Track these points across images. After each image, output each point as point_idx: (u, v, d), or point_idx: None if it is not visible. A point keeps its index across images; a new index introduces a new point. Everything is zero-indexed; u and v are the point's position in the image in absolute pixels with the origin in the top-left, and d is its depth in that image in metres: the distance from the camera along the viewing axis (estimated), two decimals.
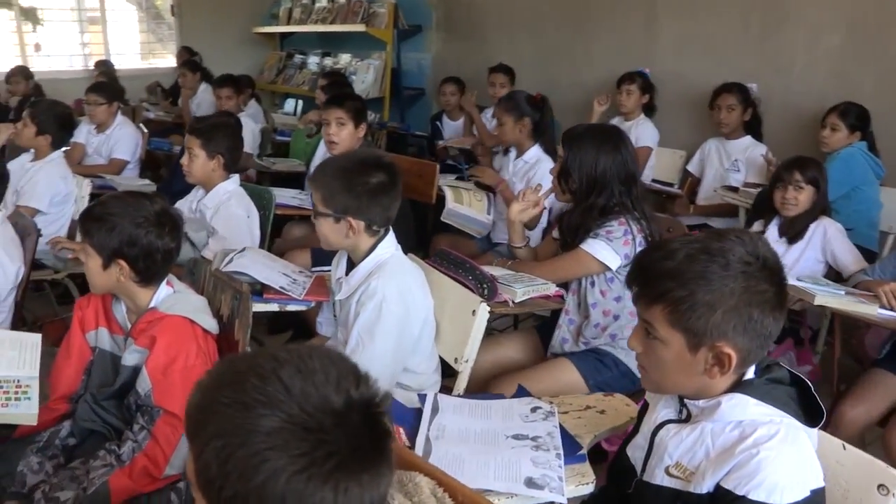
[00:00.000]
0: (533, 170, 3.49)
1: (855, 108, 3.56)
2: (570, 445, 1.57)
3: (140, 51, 8.27)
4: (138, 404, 1.79)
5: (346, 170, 2.01)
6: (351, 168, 2.01)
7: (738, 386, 1.26)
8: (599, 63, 5.16)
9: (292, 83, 7.40)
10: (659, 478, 1.30)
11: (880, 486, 1.29)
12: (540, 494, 1.38)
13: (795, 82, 4.19)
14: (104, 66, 6.89)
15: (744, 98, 4.02)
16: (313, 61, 7.39)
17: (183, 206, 3.06)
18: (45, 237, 2.97)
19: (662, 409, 1.37)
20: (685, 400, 1.31)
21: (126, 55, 7.95)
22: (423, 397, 1.72)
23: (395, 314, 1.98)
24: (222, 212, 2.89)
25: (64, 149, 3.71)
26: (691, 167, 4.37)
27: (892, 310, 2.40)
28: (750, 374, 1.27)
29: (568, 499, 1.43)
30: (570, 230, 2.39)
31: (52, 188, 3.42)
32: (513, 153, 3.68)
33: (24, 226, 2.70)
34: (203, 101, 5.77)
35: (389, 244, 2.07)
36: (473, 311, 2.05)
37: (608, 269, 2.28)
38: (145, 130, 5.02)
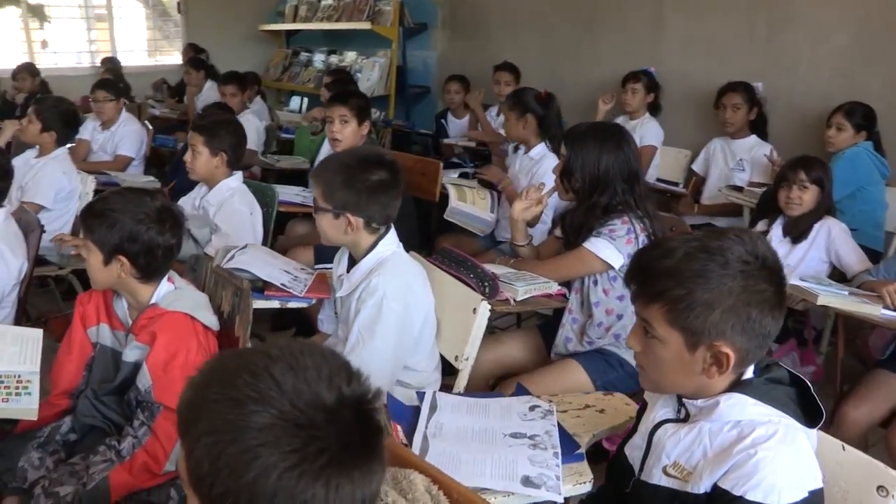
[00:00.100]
0: (537, 166, 3.49)
1: (861, 108, 3.54)
2: (568, 444, 1.56)
3: (147, 48, 8.30)
4: (139, 400, 1.79)
5: (347, 166, 2.01)
6: (352, 164, 2.01)
7: (737, 386, 1.25)
8: (605, 62, 5.15)
9: (298, 81, 7.41)
10: (656, 477, 1.30)
11: (879, 487, 1.28)
12: (536, 493, 1.38)
13: (801, 82, 4.17)
14: (110, 63, 6.92)
15: (749, 97, 4.00)
16: (319, 59, 7.41)
17: (186, 202, 3.07)
18: (50, 233, 2.98)
19: (661, 409, 1.36)
20: (684, 399, 1.31)
21: (133, 52, 7.98)
22: (421, 395, 1.71)
23: (396, 312, 1.98)
24: (225, 209, 2.89)
25: (69, 145, 3.72)
26: (696, 166, 4.35)
27: (895, 310, 2.38)
28: (749, 373, 1.27)
29: (565, 498, 1.43)
30: (573, 229, 2.38)
31: (56, 184, 3.44)
32: (522, 149, 3.69)
33: (28, 222, 2.71)
34: (208, 98, 5.77)
35: (391, 242, 2.07)
36: (474, 310, 2.04)
37: (611, 267, 2.27)
38: (150, 127, 5.03)
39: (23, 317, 2.69)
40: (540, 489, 1.38)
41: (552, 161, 3.39)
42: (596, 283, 2.33)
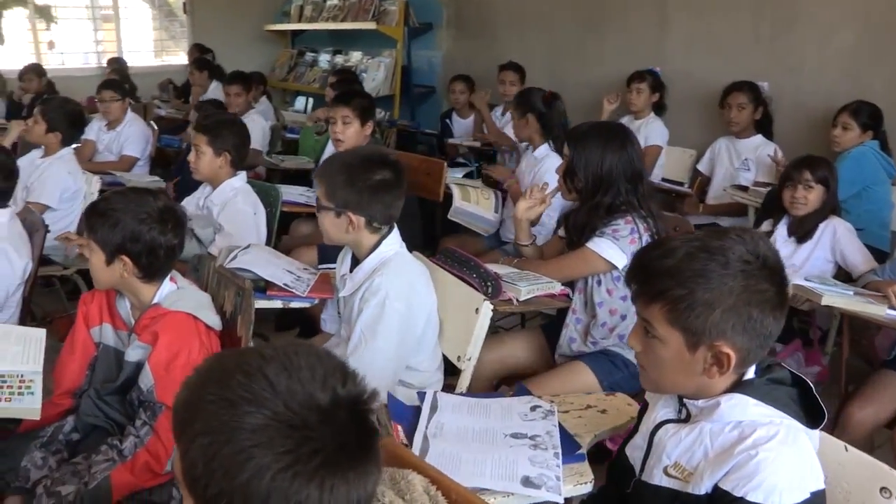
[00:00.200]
0: (539, 165, 3.50)
1: (867, 107, 3.53)
2: (568, 444, 1.56)
3: (153, 48, 8.32)
4: (141, 400, 1.80)
5: (350, 165, 2.01)
6: (355, 164, 2.02)
7: (738, 386, 1.24)
8: (610, 61, 5.14)
9: (303, 81, 7.43)
10: (657, 478, 1.29)
11: (883, 488, 1.27)
12: (537, 494, 1.37)
13: (806, 81, 4.15)
14: (116, 64, 6.94)
15: (754, 97, 3.99)
16: (324, 59, 7.41)
17: (190, 202, 3.08)
18: (55, 233, 2.99)
19: (662, 409, 1.36)
20: (685, 400, 1.30)
21: (139, 52, 8.01)
22: (422, 395, 1.71)
23: (398, 311, 1.98)
24: (229, 208, 2.90)
25: (74, 146, 3.73)
26: (701, 166, 4.34)
27: None
28: (750, 374, 1.26)
29: (566, 498, 1.43)
30: (577, 229, 2.38)
31: (61, 184, 3.45)
32: (530, 148, 3.70)
33: (32, 221, 2.72)
34: (214, 98, 5.78)
35: (394, 241, 2.07)
36: (477, 310, 2.04)
37: (615, 267, 2.27)
38: (156, 127, 5.04)
39: (28, 316, 2.70)
40: (540, 489, 1.38)
41: (554, 161, 3.39)
42: (599, 283, 2.32)
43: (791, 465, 1.15)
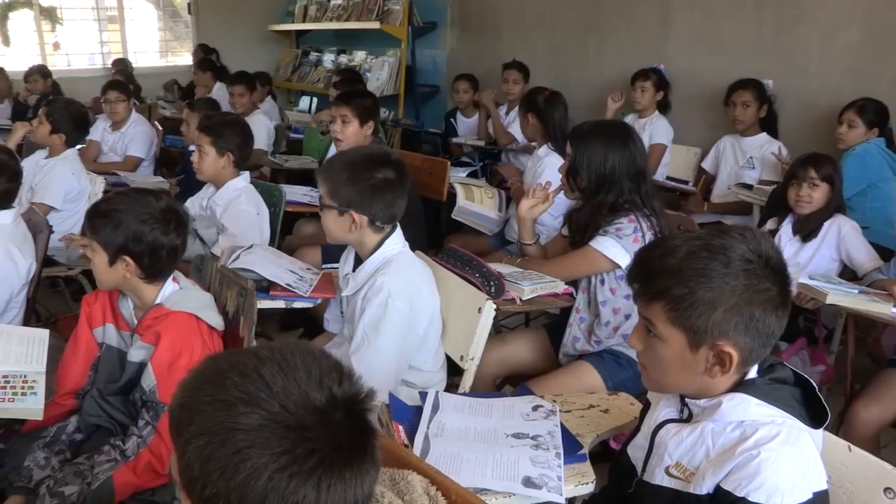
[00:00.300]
0: (539, 164, 3.50)
1: (873, 104, 3.51)
2: (570, 445, 1.55)
3: (158, 49, 8.35)
4: (143, 400, 1.80)
5: (353, 164, 2.01)
6: (358, 162, 2.02)
7: (740, 386, 1.24)
8: (613, 60, 5.13)
9: (307, 80, 7.43)
10: (659, 478, 1.29)
11: (887, 489, 1.27)
12: (538, 494, 1.37)
13: (811, 79, 4.13)
14: (121, 65, 6.96)
15: (759, 94, 3.98)
16: (328, 59, 7.42)
17: (194, 203, 3.08)
18: (59, 234, 2.99)
19: (663, 409, 1.35)
20: (686, 399, 1.30)
21: (145, 53, 8.03)
22: (424, 395, 1.71)
23: (401, 311, 1.97)
24: (232, 209, 2.90)
25: (79, 146, 3.74)
26: (706, 164, 4.33)
27: None
28: (752, 373, 1.25)
29: (568, 499, 1.42)
30: (580, 228, 2.37)
31: (65, 185, 3.46)
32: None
33: (36, 222, 2.73)
34: (219, 98, 5.78)
35: (396, 241, 2.07)
36: (480, 309, 2.04)
37: (618, 266, 2.26)
38: (160, 128, 5.06)
39: (32, 317, 2.71)
40: (541, 490, 1.37)
41: (553, 160, 3.41)
42: (603, 282, 2.31)
43: (793, 465, 1.14)
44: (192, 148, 4.15)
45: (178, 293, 1.90)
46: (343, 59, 7.23)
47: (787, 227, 2.99)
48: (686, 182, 4.42)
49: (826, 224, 2.90)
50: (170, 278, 1.91)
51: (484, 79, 5.44)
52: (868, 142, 3.45)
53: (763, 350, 1.22)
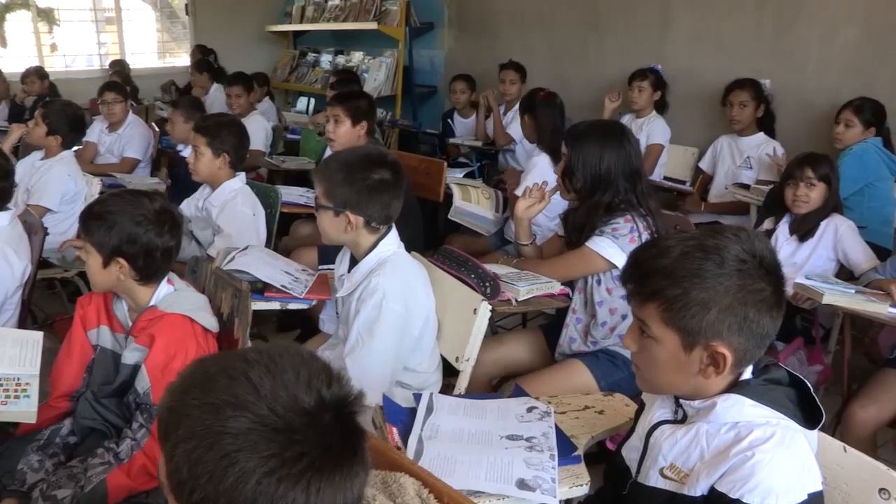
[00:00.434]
0: (529, 163, 3.51)
1: (871, 104, 3.51)
2: (565, 446, 1.55)
3: (156, 50, 8.34)
4: (137, 402, 1.79)
5: (349, 164, 2.01)
6: (354, 163, 2.01)
7: (735, 386, 1.23)
8: (611, 60, 5.12)
9: (305, 81, 7.43)
10: (653, 479, 1.28)
11: (881, 490, 1.26)
12: (531, 496, 1.36)
13: (810, 78, 4.13)
14: (118, 66, 6.95)
15: (757, 94, 3.98)
16: (326, 59, 7.42)
17: (190, 204, 3.08)
18: (55, 235, 2.99)
19: (658, 410, 1.34)
20: (681, 400, 1.29)
21: (143, 54, 8.02)
22: (418, 396, 1.70)
23: (396, 312, 1.97)
24: (228, 210, 2.89)
25: (75, 148, 3.73)
26: (703, 164, 4.33)
27: None
28: (747, 374, 1.25)
29: (562, 501, 1.41)
30: (576, 228, 2.37)
31: (61, 187, 3.45)
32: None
33: (31, 224, 2.72)
34: (216, 99, 5.79)
35: (392, 242, 2.07)
36: (475, 310, 2.03)
37: (614, 266, 2.25)
38: (157, 129, 5.05)
39: (27, 319, 2.70)
40: (535, 492, 1.37)
41: (540, 159, 3.42)
42: (599, 282, 2.31)
43: (788, 466, 1.14)
44: (179, 147, 4.17)
45: (172, 295, 1.89)
46: (340, 59, 7.23)
47: (783, 227, 2.99)
48: (683, 182, 4.43)
49: (823, 224, 2.89)
50: (164, 280, 1.91)
51: (481, 79, 5.44)
52: (865, 141, 3.45)
53: (757, 351, 1.22)
